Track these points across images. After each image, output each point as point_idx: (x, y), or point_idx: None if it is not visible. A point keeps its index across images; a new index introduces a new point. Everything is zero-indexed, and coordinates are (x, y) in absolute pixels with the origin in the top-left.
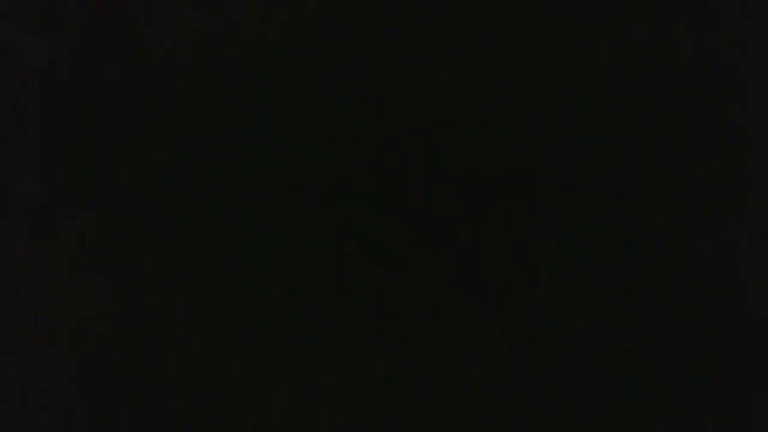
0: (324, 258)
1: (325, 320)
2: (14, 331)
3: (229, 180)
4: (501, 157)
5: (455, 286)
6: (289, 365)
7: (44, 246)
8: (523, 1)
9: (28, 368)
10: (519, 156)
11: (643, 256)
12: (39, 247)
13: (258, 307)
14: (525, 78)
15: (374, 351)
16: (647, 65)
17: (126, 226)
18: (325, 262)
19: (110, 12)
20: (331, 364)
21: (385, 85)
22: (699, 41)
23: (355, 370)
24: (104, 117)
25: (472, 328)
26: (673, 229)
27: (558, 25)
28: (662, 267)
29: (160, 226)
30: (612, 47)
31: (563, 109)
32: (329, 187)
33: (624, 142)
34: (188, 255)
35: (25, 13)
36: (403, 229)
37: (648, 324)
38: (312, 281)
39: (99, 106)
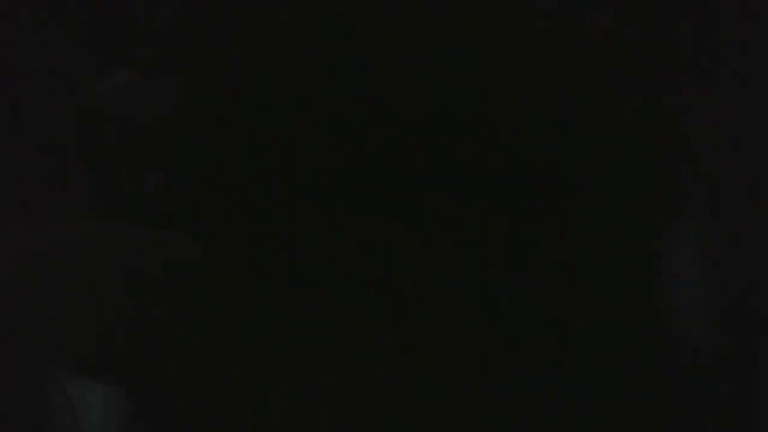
0: (323, 258)
1: (326, 320)
2: (14, 331)
3: (228, 180)
4: (501, 157)
5: (455, 287)
6: (289, 365)
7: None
8: (523, 1)
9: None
10: (519, 156)
11: (643, 256)
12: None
13: (258, 307)
14: (525, 78)
15: (373, 351)
16: (647, 65)
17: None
18: (324, 262)
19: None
20: (331, 364)
21: (385, 85)
22: (699, 41)
23: (355, 370)
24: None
25: (471, 328)
26: (672, 229)
27: (558, 25)
28: (662, 267)
29: (158, 227)
30: (612, 47)
31: (563, 109)
32: (329, 187)
33: (624, 142)
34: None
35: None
36: (403, 229)
37: (648, 324)
38: (311, 281)
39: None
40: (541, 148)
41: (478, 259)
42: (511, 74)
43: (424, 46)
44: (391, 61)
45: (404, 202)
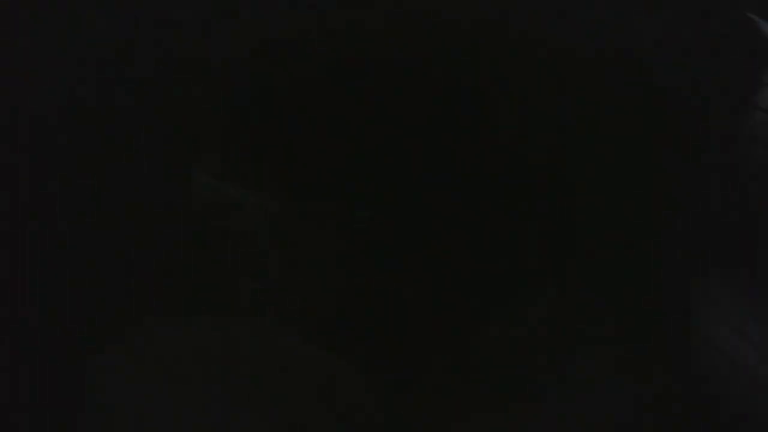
0: (322, 258)
1: (325, 321)
2: None
3: (230, 180)
4: (501, 157)
5: (454, 288)
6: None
7: None
8: (523, 1)
9: None
10: (519, 156)
11: (643, 256)
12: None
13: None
14: (525, 78)
15: (372, 351)
16: (647, 65)
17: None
18: (323, 262)
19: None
20: (330, 365)
21: (385, 85)
22: (700, 41)
23: (353, 370)
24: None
25: (471, 328)
26: (672, 229)
27: (558, 25)
28: (662, 267)
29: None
30: (611, 48)
31: (563, 109)
32: (328, 187)
33: (624, 142)
34: (188, 257)
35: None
36: (402, 229)
37: (648, 324)
38: (311, 281)
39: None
40: (541, 148)
41: (477, 258)
42: (511, 74)
43: (425, 46)
44: (391, 62)
45: (404, 201)
